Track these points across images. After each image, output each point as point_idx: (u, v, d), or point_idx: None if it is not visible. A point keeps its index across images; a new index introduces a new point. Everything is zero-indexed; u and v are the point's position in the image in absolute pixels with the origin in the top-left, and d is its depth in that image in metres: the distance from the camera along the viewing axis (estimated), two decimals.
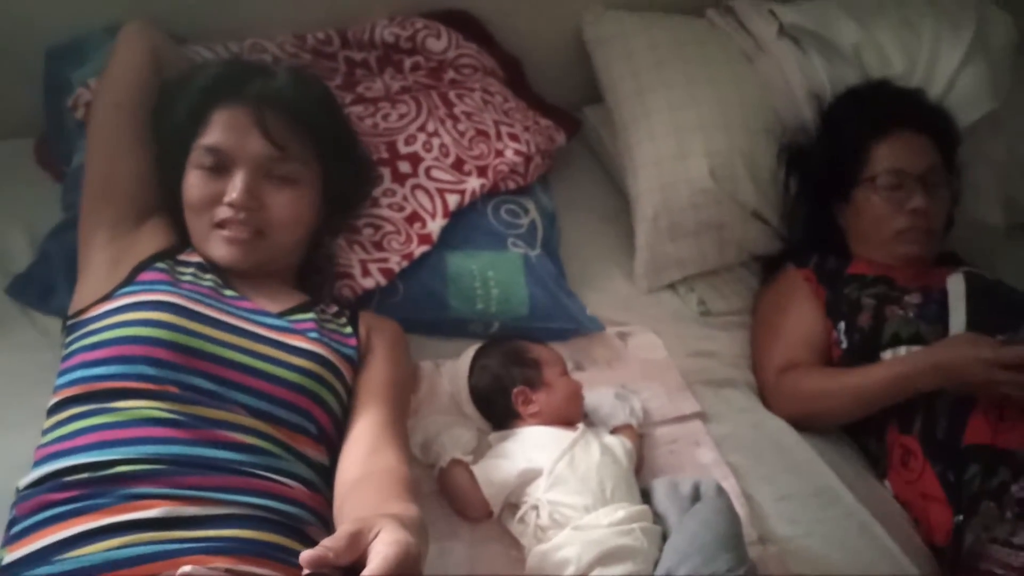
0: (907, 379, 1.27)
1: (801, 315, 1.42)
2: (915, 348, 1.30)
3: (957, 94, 1.57)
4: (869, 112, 1.49)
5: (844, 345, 1.37)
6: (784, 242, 1.58)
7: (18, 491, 0.90)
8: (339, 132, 1.22)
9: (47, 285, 1.21)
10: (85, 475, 0.87)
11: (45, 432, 0.94)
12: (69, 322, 1.06)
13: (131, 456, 0.88)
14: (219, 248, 1.08)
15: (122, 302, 1.01)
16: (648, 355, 1.38)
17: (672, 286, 1.53)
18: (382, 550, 0.68)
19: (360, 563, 0.69)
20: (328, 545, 0.67)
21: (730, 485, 1.17)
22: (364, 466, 0.96)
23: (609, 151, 1.66)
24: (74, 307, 1.07)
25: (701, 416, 1.29)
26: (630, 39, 1.58)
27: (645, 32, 1.59)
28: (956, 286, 1.35)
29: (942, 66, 1.59)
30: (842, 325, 1.38)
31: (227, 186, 1.07)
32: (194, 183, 1.09)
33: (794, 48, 1.61)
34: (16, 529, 0.86)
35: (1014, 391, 1.19)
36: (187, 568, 0.76)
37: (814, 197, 1.54)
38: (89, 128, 1.18)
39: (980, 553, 1.16)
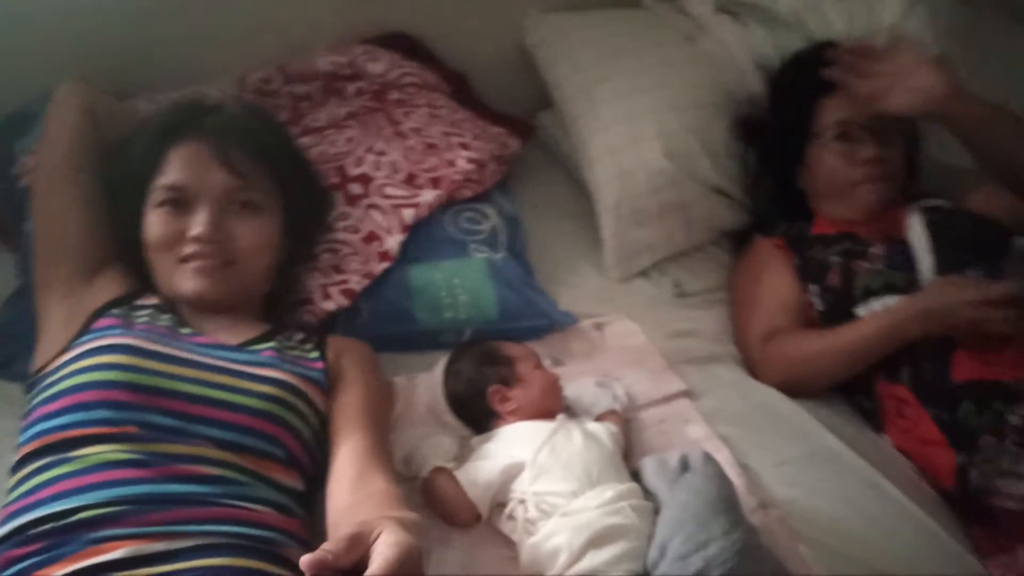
0: (895, 329, 1.24)
1: (777, 282, 1.41)
2: (889, 298, 1.28)
3: None
4: (813, 71, 1.49)
5: (819, 307, 1.35)
6: (751, 215, 1.56)
7: None
8: (295, 160, 1.24)
9: (7, 352, 1.20)
10: (48, 526, 0.85)
11: (9, 491, 0.93)
12: (29, 381, 1.05)
13: (93, 502, 0.86)
14: (188, 281, 1.07)
15: (77, 351, 1.00)
16: (627, 342, 1.36)
17: (645, 273, 1.52)
18: (383, 551, 0.67)
19: (361, 565, 0.67)
20: (328, 547, 0.67)
21: (724, 457, 1.14)
22: (354, 493, 0.94)
23: (566, 151, 1.65)
24: (35, 366, 1.07)
25: (687, 394, 1.27)
26: (570, 36, 1.60)
27: (585, 28, 1.61)
28: (915, 227, 1.33)
29: (884, 19, 1.59)
30: (814, 287, 1.36)
31: (191, 222, 1.07)
32: (156, 222, 1.09)
33: (734, 23, 1.62)
34: None
35: (1002, 327, 1.17)
36: None
37: (773, 166, 1.53)
38: (32, 191, 1.19)
39: (987, 488, 1.13)
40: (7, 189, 1.33)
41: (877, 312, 1.28)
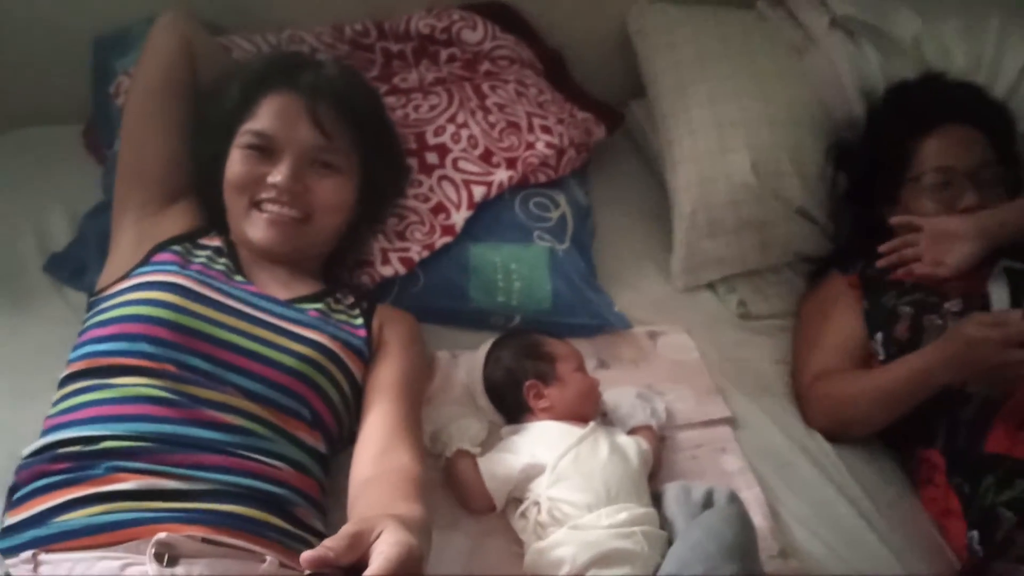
0: (924, 374, 1.17)
1: (842, 324, 1.34)
2: None
3: None
4: (915, 106, 1.40)
5: (882, 357, 1.29)
6: (832, 242, 1.50)
7: (21, 459, 0.93)
8: (382, 128, 1.25)
9: (81, 263, 1.25)
10: (77, 448, 0.89)
11: (54, 404, 0.97)
12: (91, 299, 1.10)
13: (120, 432, 0.90)
14: (259, 229, 1.10)
15: (134, 281, 1.04)
16: (678, 356, 1.33)
17: (712, 286, 1.47)
18: (384, 550, 0.67)
19: (362, 564, 0.68)
20: (329, 545, 0.67)
21: (754, 495, 1.13)
22: (376, 465, 0.96)
23: (652, 146, 1.61)
24: (99, 285, 1.11)
25: (730, 422, 1.24)
26: (674, 31, 1.54)
27: (689, 24, 1.55)
28: (999, 289, 1.25)
29: (1008, 63, 1.49)
30: (879, 336, 1.30)
31: (272, 169, 1.09)
32: (238, 161, 1.11)
33: (847, 41, 1.54)
34: (17, 495, 0.89)
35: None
36: (162, 535, 0.77)
37: (861, 198, 1.45)
38: (124, 112, 1.22)
39: (1002, 572, 1.06)
40: (103, 105, 1.37)
41: (911, 354, 1.21)
